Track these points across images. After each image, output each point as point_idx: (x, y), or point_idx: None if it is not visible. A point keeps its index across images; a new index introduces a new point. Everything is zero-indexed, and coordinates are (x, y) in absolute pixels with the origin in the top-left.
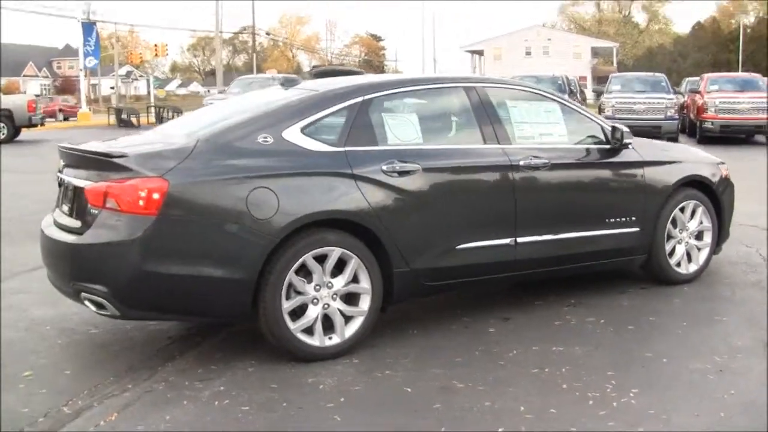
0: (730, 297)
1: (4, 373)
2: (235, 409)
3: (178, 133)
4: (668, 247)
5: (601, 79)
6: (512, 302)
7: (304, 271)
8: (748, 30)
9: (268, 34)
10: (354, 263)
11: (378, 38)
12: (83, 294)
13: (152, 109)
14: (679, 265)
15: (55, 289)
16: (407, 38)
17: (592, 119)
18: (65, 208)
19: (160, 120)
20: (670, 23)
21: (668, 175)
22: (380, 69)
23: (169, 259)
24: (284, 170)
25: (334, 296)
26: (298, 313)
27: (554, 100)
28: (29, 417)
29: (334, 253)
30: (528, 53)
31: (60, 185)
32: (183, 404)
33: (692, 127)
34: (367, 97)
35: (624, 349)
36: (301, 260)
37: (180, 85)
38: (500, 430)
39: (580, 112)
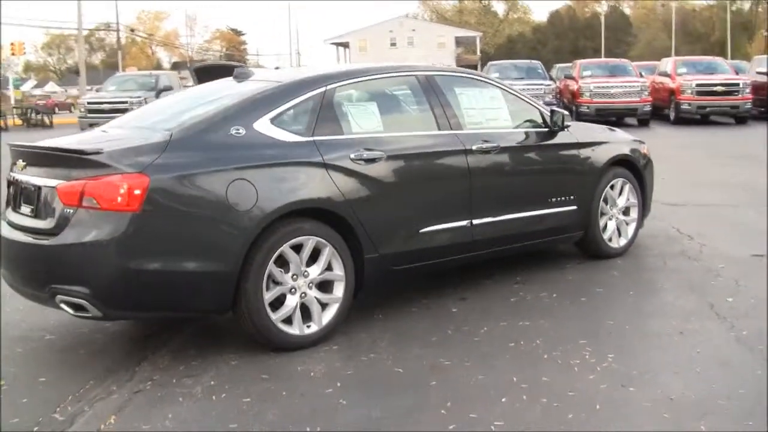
0: (662, 267)
1: None
2: (236, 401)
3: (144, 127)
4: (601, 224)
5: (467, 68)
6: (463, 282)
7: (280, 261)
8: (601, 17)
9: (132, 30)
10: (328, 251)
11: (239, 33)
12: (59, 297)
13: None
14: (611, 240)
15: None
16: (269, 32)
17: (530, 104)
18: (25, 209)
19: (27, 123)
20: (528, 12)
21: (600, 155)
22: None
23: (152, 255)
24: (259, 161)
25: (310, 285)
26: (275, 303)
27: (495, 85)
28: (22, 426)
29: (310, 242)
30: (393, 44)
31: (11, 185)
32: (179, 401)
33: (567, 111)
34: (329, 86)
35: (586, 320)
36: (279, 250)
37: (36, 86)
38: (504, 400)
39: (519, 97)
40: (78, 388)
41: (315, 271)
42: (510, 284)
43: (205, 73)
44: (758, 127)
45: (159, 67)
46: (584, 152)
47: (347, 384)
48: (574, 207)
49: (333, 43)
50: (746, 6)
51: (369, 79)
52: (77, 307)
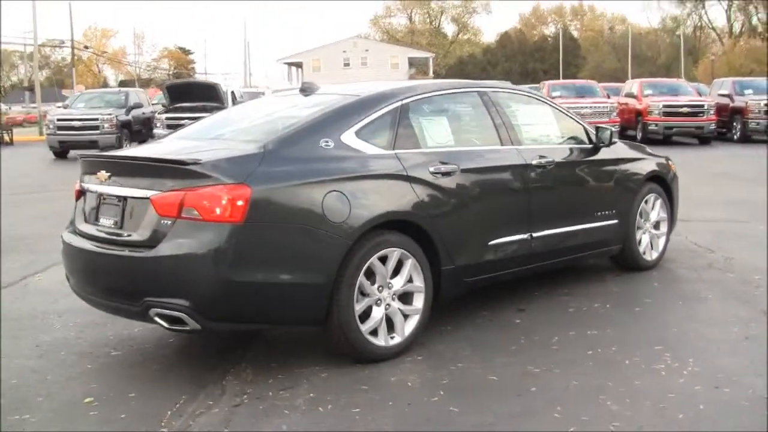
0: (698, 278)
1: (58, 401)
2: (345, 412)
3: (222, 138)
4: (637, 237)
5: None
6: (515, 295)
7: (367, 273)
8: (550, 39)
9: (86, 47)
10: (411, 263)
11: (187, 51)
12: (155, 310)
13: None
14: (644, 253)
15: (96, 309)
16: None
17: (576, 121)
18: (105, 221)
19: None
20: (479, 33)
21: (638, 171)
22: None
23: (253, 267)
24: (351, 173)
25: (393, 296)
26: (362, 315)
27: (546, 103)
28: None
29: (395, 254)
30: (347, 64)
31: (83, 197)
32: (285, 413)
33: None
34: (404, 101)
35: (649, 327)
36: (369, 262)
37: None
38: (609, 403)
39: (566, 114)
40: (173, 403)
41: (398, 283)
42: (559, 296)
43: (177, 91)
44: (721, 147)
45: (106, 85)
46: (624, 168)
47: (449, 392)
48: (616, 221)
49: (286, 63)
50: (689, 30)
51: (438, 94)
52: (174, 320)
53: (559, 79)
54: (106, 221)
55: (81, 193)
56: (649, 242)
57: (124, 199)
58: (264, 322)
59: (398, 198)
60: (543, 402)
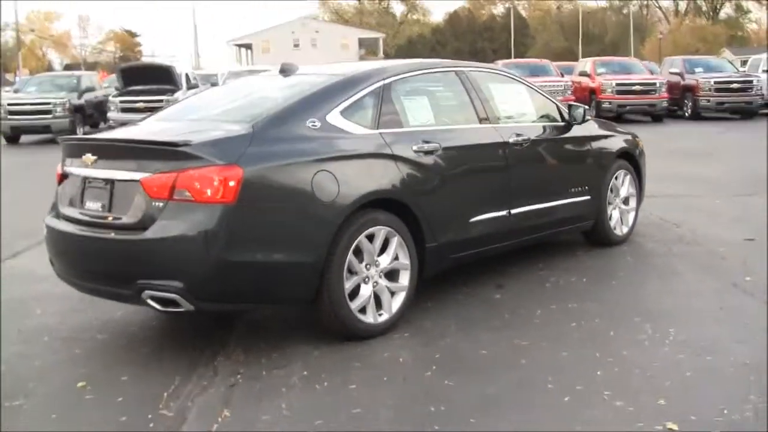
0: (669, 252)
1: (50, 386)
2: (343, 389)
3: (205, 119)
4: (608, 213)
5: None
6: (491, 271)
7: (355, 251)
8: (499, 19)
9: (32, 30)
10: (397, 241)
11: (133, 34)
12: (148, 293)
13: None
14: (615, 228)
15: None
16: (165, 33)
17: (548, 99)
18: (92, 204)
19: None
20: (428, 13)
21: (609, 147)
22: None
23: (246, 247)
24: (338, 153)
25: (380, 274)
26: (351, 293)
27: (520, 82)
28: (134, 425)
29: (382, 232)
30: (296, 45)
31: (66, 181)
32: (282, 392)
33: None
34: (386, 80)
35: (628, 300)
36: (357, 240)
37: None
38: (599, 373)
39: (539, 92)
40: (167, 386)
41: (385, 261)
42: (535, 271)
43: (131, 74)
44: (673, 124)
45: (50, 69)
46: (596, 145)
47: (442, 367)
48: (589, 197)
49: (235, 45)
50: (636, 9)
51: (419, 74)
52: (167, 302)
53: (510, 58)
54: (93, 205)
55: (63, 177)
56: (619, 217)
57: (112, 182)
58: (256, 301)
59: (384, 177)
60: (535, 374)
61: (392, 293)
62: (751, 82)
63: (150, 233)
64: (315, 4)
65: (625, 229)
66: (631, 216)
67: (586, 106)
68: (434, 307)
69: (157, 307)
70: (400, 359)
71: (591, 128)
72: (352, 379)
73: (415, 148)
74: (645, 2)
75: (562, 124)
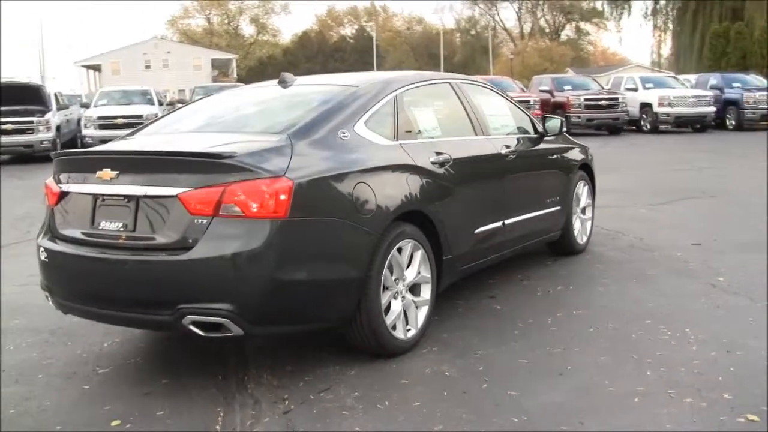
0: (630, 258)
1: (80, 427)
2: (408, 406)
3: (235, 130)
4: (572, 222)
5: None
6: (473, 283)
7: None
8: (350, 40)
9: None
10: (421, 254)
11: None
12: (190, 318)
13: None
14: (578, 237)
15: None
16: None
17: (522, 111)
18: (109, 224)
19: None
20: (278, 34)
21: (573, 158)
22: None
23: (297, 264)
24: (372, 164)
25: (406, 288)
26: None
27: (499, 94)
28: None
29: (409, 245)
30: (148, 66)
31: (65, 199)
32: (344, 414)
33: None
34: (397, 91)
35: (626, 305)
36: (390, 255)
37: None
38: (649, 373)
39: (516, 106)
40: (213, 417)
41: (411, 274)
42: (517, 282)
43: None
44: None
45: None
46: (564, 156)
47: (494, 378)
48: (559, 207)
49: (84, 66)
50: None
51: (421, 85)
52: (211, 327)
53: None
54: (110, 224)
55: (60, 196)
56: (580, 227)
57: (136, 198)
58: (303, 322)
59: (411, 189)
60: (588, 378)
61: (416, 308)
62: (617, 99)
63: (195, 253)
64: (164, 26)
65: (585, 238)
66: (588, 225)
67: (563, 118)
68: (441, 320)
69: (199, 332)
70: (446, 373)
71: (557, 140)
72: (411, 396)
73: (432, 159)
74: (492, 24)
75: (536, 135)
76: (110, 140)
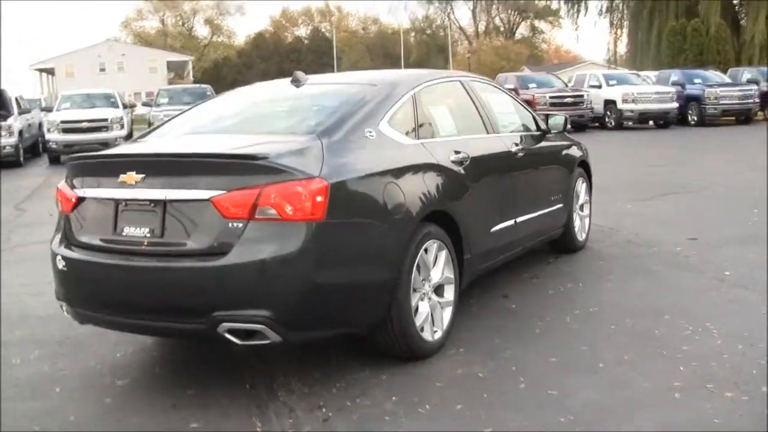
0: (630, 254)
1: None
2: (451, 409)
3: (260, 131)
4: (573, 219)
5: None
6: (485, 282)
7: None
8: (305, 41)
9: None
10: (445, 254)
11: None
12: (225, 325)
13: None
14: (578, 234)
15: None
16: None
17: (526, 109)
18: (136, 230)
19: None
20: (233, 35)
21: (573, 155)
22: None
23: (334, 268)
24: (400, 164)
25: (432, 289)
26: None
27: (503, 91)
28: None
29: (435, 245)
30: (103, 69)
31: (82, 205)
32: (387, 420)
33: None
34: (415, 89)
35: (637, 300)
36: (418, 255)
37: None
38: (682, 368)
39: (519, 103)
40: (251, 426)
41: (436, 275)
42: (526, 280)
43: None
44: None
45: None
46: (565, 153)
47: (530, 378)
48: (562, 204)
49: (37, 69)
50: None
51: (435, 83)
52: (248, 335)
53: None
54: (135, 230)
55: (76, 202)
56: (580, 224)
57: (163, 203)
58: (338, 327)
59: (436, 189)
60: (622, 375)
61: (441, 309)
62: (582, 96)
63: (231, 258)
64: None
65: (584, 235)
66: (587, 222)
67: (566, 116)
68: (458, 320)
69: (235, 340)
70: (478, 375)
71: (557, 137)
72: (450, 399)
73: (452, 158)
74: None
75: (539, 133)
76: (75, 145)
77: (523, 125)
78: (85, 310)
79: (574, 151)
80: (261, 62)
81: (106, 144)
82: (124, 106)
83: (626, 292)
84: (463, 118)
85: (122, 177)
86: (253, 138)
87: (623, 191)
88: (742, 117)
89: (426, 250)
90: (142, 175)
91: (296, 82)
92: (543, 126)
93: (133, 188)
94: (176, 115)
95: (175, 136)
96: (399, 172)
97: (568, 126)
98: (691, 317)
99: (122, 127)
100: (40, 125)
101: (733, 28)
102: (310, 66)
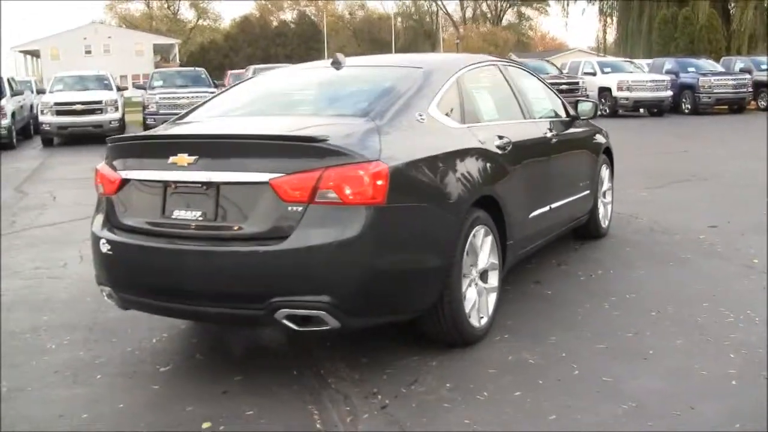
0: (656, 241)
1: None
2: (510, 396)
3: (307, 113)
4: (598, 206)
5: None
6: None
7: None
8: (292, 25)
9: None
10: (491, 240)
11: None
12: (284, 311)
13: None
14: (602, 221)
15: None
16: None
17: (555, 94)
18: (187, 213)
19: None
20: (219, 19)
21: (599, 142)
22: None
23: (393, 253)
24: (451, 148)
25: (478, 275)
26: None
27: (535, 76)
28: None
29: (481, 231)
30: (89, 52)
31: (129, 187)
32: (447, 407)
33: None
34: (459, 73)
35: (672, 287)
36: (468, 241)
37: None
38: (732, 355)
39: (549, 88)
40: (308, 413)
41: (483, 261)
42: (554, 266)
43: None
44: None
45: None
46: (592, 140)
47: (583, 366)
48: (589, 191)
49: (21, 51)
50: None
51: (475, 67)
52: (305, 321)
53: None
54: (187, 213)
55: (120, 184)
56: (603, 211)
57: (216, 185)
58: (396, 313)
59: (484, 173)
60: (676, 362)
61: (487, 294)
62: (577, 83)
63: (291, 243)
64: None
65: (606, 222)
66: (609, 209)
67: (596, 102)
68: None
69: (293, 326)
70: (529, 361)
71: (583, 123)
72: (506, 385)
73: (496, 143)
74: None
75: (568, 119)
76: (69, 127)
77: (554, 111)
78: (130, 294)
79: (600, 138)
80: (248, 46)
81: (100, 126)
82: (118, 89)
83: (659, 279)
84: (502, 102)
85: (173, 158)
86: (305, 120)
87: (634, 178)
88: (735, 106)
89: (474, 236)
90: (195, 157)
91: (336, 65)
92: (572, 112)
93: (184, 170)
94: (212, 98)
95: (222, 118)
96: (451, 157)
97: (597, 113)
98: (730, 304)
99: (116, 109)
100: (32, 107)
101: (724, 17)
102: (296, 50)
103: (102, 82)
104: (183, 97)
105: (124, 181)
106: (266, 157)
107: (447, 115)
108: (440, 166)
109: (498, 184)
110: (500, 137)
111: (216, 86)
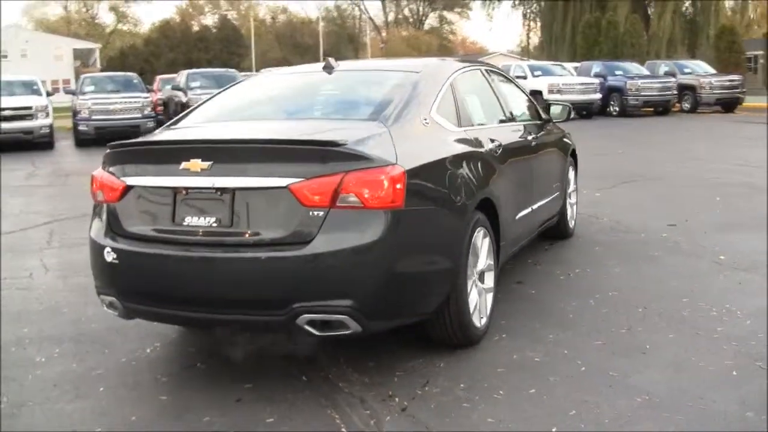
0: (622, 240)
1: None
2: (524, 394)
3: (315, 117)
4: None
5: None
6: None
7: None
8: (214, 30)
9: None
10: (488, 241)
11: None
12: (306, 317)
13: None
14: (570, 221)
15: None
16: None
17: (529, 98)
18: (200, 220)
19: None
20: (139, 24)
21: (568, 144)
22: None
23: (411, 256)
24: (454, 151)
25: (477, 276)
26: None
27: (512, 81)
28: None
29: (481, 233)
30: (5, 56)
31: (132, 193)
32: (466, 407)
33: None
34: (452, 77)
35: (650, 285)
36: (471, 242)
37: None
38: (725, 347)
39: (523, 92)
40: (329, 422)
41: (482, 262)
42: (531, 266)
43: None
44: None
45: None
46: (562, 142)
47: (588, 362)
48: (559, 192)
49: None
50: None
51: (466, 71)
52: (325, 325)
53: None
54: (199, 220)
55: (124, 191)
56: (570, 211)
57: (232, 191)
58: (410, 316)
59: (483, 176)
60: (674, 356)
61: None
62: None
63: (313, 247)
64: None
65: (573, 223)
66: (574, 209)
67: (569, 105)
68: None
69: (314, 332)
70: (535, 359)
71: (552, 126)
72: (520, 384)
73: (489, 146)
74: (358, 14)
75: (541, 122)
76: None
77: (529, 114)
78: (137, 304)
79: (567, 140)
80: (169, 51)
81: (30, 133)
82: (48, 94)
83: (636, 276)
84: (488, 106)
85: (185, 164)
86: (315, 124)
87: (585, 180)
88: (660, 108)
89: (475, 237)
90: (210, 162)
91: (328, 69)
92: (544, 115)
93: (197, 176)
94: (205, 101)
95: (227, 123)
96: (458, 160)
97: (572, 115)
98: (709, 300)
99: (47, 115)
100: None
101: (644, 21)
102: (219, 55)
103: (31, 87)
104: (117, 103)
105: (128, 188)
106: (284, 162)
107: (446, 118)
108: (449, 169)
109: (494, 186)
110: (492, 140)
111: (149, 91)
